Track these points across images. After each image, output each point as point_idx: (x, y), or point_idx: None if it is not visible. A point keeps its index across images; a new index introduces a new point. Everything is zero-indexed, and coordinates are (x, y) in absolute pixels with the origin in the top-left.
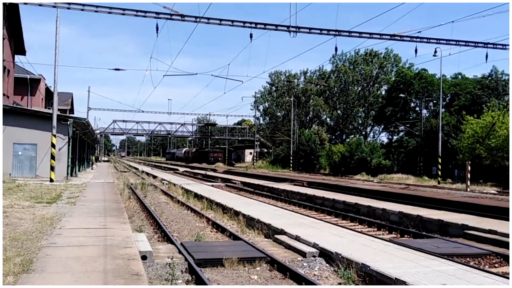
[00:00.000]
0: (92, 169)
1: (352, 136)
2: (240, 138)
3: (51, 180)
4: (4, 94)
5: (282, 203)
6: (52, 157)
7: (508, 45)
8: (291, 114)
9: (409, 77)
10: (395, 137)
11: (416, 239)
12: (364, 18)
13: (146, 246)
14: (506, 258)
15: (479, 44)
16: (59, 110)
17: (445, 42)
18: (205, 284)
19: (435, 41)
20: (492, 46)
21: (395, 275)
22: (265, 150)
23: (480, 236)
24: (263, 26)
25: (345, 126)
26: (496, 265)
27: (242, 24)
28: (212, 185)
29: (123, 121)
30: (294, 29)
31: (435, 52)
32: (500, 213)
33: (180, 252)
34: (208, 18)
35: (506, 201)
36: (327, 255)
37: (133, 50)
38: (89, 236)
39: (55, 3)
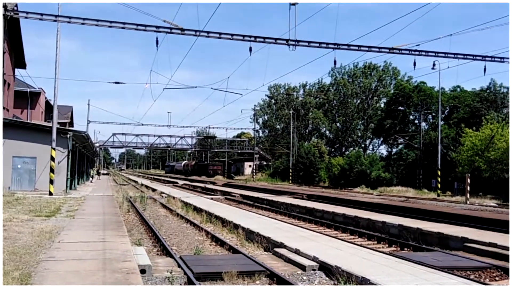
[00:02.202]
0: (91, 182)
1: (352, 148)
2: (239, 151)
3: (50, 194)
4: (4, 108)
5: (282, 216)
6: (52, 170)
7: (506, 58)
8: (290, 126)
9: (408, 90)
10: (394, 150)
11: (416, 252)
12: (363, 32)
13: (145, 260)
14: (506, 271)
15: (478, 57)
16: (58, 123)
17: (443, 55)
18: None
19: (433, 54)
20: (490, 59)
21: None
22: (265, 163)
23: (480, 249)
24: (262, 39)
25: (344, 139)
26: (497, 278)
27: (241, 37)
28: (212, 198)
29: (123, 134)
30: (293, 43)
31: (434, 65)
32: (500, 226)
33: (179, 266)
34: (208, 32)
35: (506, 214)
36: (327, 269)
37: (133, 64)
38: (88, 250)
39: (56, 16)
